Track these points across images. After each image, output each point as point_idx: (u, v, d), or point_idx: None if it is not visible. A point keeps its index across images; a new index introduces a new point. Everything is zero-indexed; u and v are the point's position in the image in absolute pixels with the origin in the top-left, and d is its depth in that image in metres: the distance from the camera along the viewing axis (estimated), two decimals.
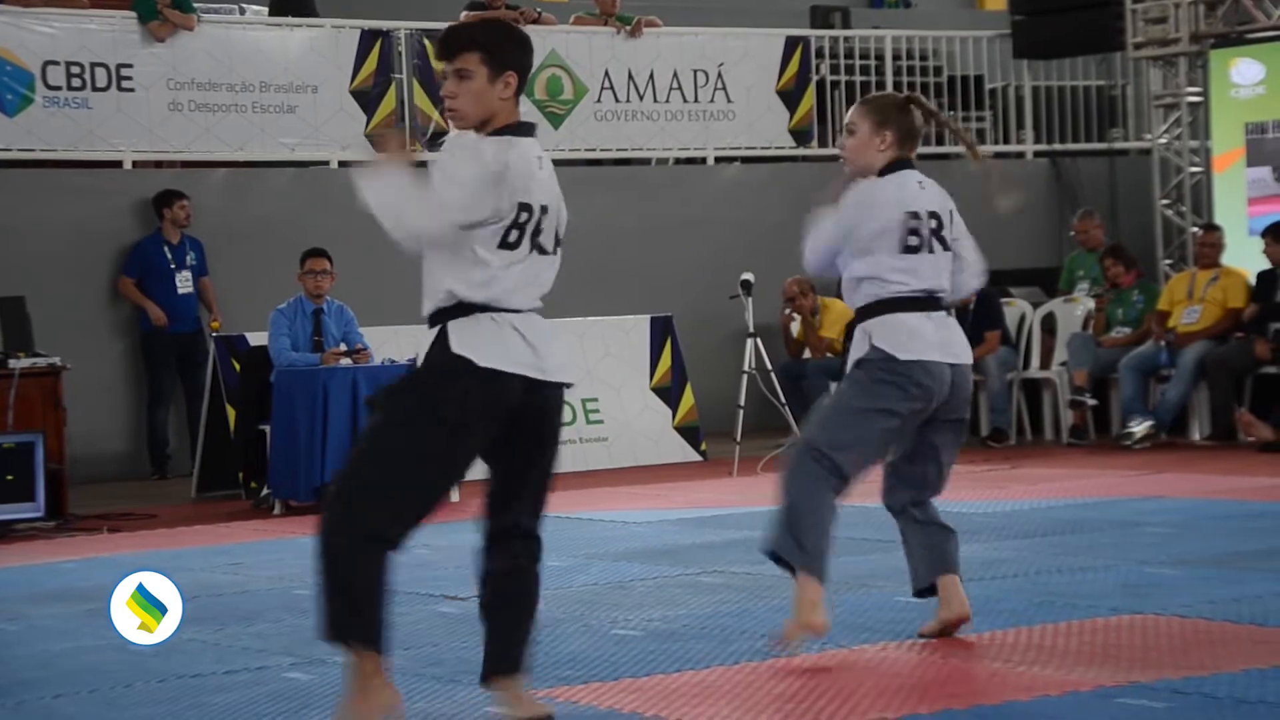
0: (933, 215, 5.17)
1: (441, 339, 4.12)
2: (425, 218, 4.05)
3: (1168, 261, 13.65)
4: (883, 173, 5.20)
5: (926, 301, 5.15)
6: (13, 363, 9.34)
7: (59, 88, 11.56)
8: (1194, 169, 13.72)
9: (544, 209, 4.17)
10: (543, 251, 4.19)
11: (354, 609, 4.06)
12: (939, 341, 5.12)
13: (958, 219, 5.28)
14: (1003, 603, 5.75)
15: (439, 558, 7.21)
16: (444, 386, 4.08)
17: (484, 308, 4.12)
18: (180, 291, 11.43)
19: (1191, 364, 11.20)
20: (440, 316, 4.15)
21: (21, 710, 4.98)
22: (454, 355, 4.08)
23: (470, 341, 4.09)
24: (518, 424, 4.18)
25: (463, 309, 4.12)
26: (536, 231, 4.16)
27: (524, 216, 4.12)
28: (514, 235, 4.13)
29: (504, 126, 4.17)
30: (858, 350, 5.17)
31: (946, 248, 5.20)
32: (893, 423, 5.10)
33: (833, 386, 10.66)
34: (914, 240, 5.12)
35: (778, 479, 5.15)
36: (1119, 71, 15.04)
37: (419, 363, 4.17)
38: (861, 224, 5.13)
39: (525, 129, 4.21)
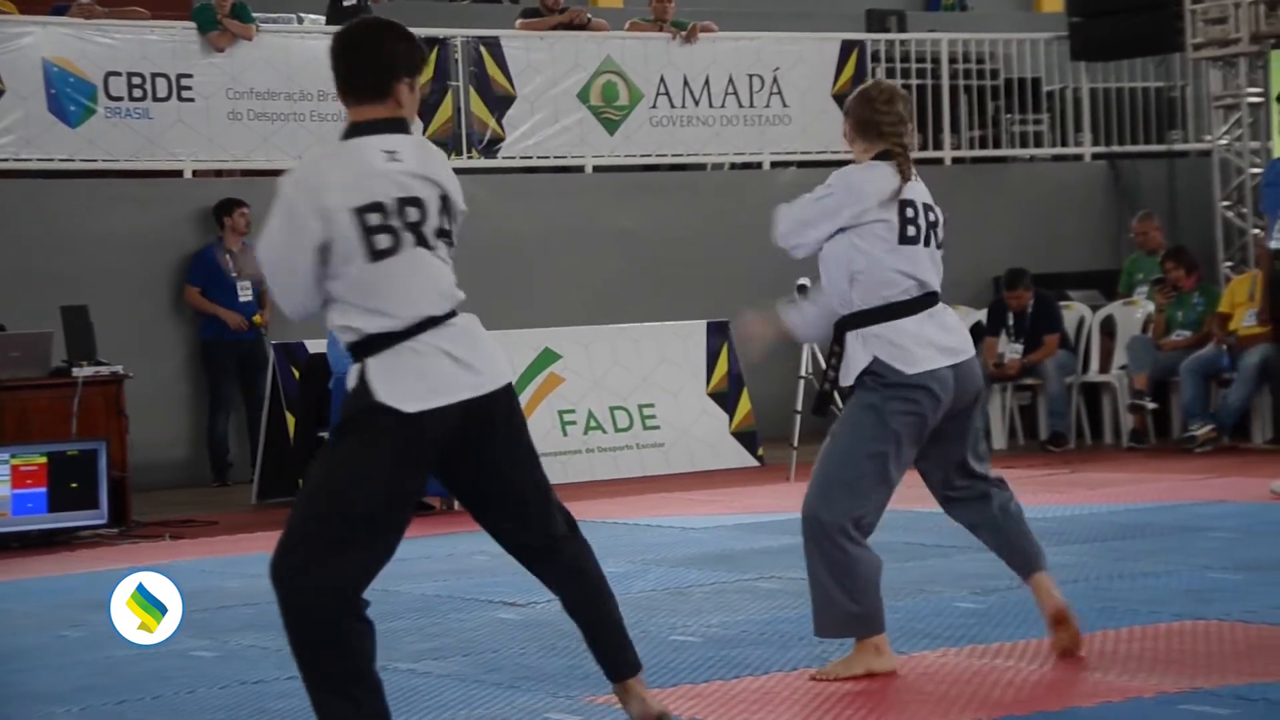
0: (929, 209, 4.96)
1: (363, 382, 3.91)
2: (279, 300, 4.06)
3: (1228, 264, 13.52)
4: None
5: (926, 300, 4.92)
6: (76, 371, 9.44)
7: (120, 98, 11.67)
8: (1255, 170, 13.57)
9: (407, 200, 3.91)
10: (426, 245, 3.93)
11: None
12: (943, 344, 4.88)
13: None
14: None
15: (498, 564, 7.20)
16: (372, 439, 3.87)
17: (402, 335, 3.90)
18: (241, 299, 11.51)
19: (1253, 367, 11.08)
20: (361, 350, 3.94)
21: (87, 716, 5.03)
22: (378, 405, 3.86)
23: (394, 387, 3.87)
24: (473, 443, 3.98)
25: (383, 340, 3.90)
26: (411, 226, 3.91)
27: (375, 219, 3.88)
28: (384, 241, 3.88)
29: (349, 128, 4.00)
30: (856, 361, 4.88)
31: (939, 245, 4.97)
32: (897, 447, 4.85)
33: None
34: (912, 231, 4.91)
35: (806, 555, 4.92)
36: (1178, 72, 14.91)
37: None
38: (848, 207, 4.86)
39: (375, 127, 3.95)
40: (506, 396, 4.05)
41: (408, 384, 3.89)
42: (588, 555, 4.22)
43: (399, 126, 4.02)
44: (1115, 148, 14.73)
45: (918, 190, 4.98)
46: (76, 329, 9.69)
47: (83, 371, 9.44)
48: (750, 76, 13.58)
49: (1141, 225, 12.89)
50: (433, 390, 3.90)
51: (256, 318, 11.48)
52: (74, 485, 9.03)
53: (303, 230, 3.93)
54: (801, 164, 13.84)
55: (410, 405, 3.88)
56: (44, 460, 9.00)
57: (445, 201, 4.01)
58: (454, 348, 3.95)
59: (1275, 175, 8.77)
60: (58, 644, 6.17)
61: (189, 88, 11.86)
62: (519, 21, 13.52)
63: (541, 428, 10.52)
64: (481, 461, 4.05)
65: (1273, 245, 8.52)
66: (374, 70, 4.02)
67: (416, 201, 3.94)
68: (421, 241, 3.95)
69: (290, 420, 10.31)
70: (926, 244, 4.94)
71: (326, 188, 3.92)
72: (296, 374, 10.38)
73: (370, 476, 3.88)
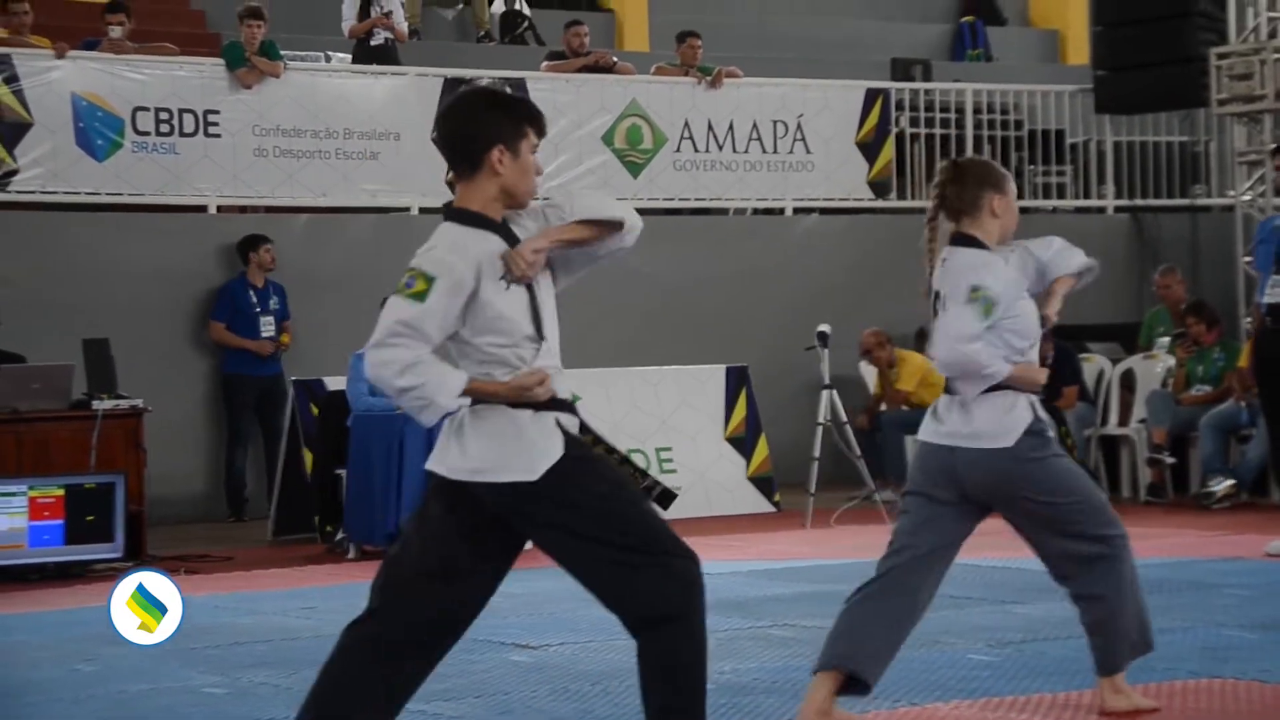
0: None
1: None
2: None
3: (1250, 319, 13.50)
4: None
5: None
6: (96, 404, 9.46)
7: (148, 133, 11.75)
8: None
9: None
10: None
11: None
12: (937, 423, 4.96)
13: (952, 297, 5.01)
14: (1078, 663, 5.68)
15: (511, 605, 7.18)
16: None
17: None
18: (263, 335, 11.55)
19: None
20: None
21: None
22: None
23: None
24: (510, 526, 4.10)
25: None
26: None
27: None
28: None
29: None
30: None
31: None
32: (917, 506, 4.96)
33: (908, 440, 10.62)
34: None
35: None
36: (1202, 127, 14.92)
37: None
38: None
39: (456, 215, 4.24)
40: (514, 495, 4.01)
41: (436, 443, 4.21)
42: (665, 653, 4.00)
43: (474, 221, 4.11)
44: (1138, 201, 14.73)
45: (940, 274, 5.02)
46: (98, 362, 9.72)
47: (103, 404, 9.46)
48: (774, 122, 13.62)
49: (1163, 279, 12.87)
50: (433, 456, 4.16)
51: (284, 337, 11.54)
52: (90, 518, 9.03)
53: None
54: (824, 210, 13.87)
55: (428, 461, 4.20)
56: (62, 492, 9.02)
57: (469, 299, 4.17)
58: (462, 427, 4.10)
59: (1267, 233, 8.91)
60: (71, 678, 6.17)
61: (215, 124, 11.93)
62: (545, 64, 13.59)
63: None
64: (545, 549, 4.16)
65: (1265, 300, 8.63)
66: (457, 144, 4.12)
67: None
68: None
69: (308, 457, 10.32)
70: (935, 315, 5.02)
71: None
72: (315, 410, 10.40)
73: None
